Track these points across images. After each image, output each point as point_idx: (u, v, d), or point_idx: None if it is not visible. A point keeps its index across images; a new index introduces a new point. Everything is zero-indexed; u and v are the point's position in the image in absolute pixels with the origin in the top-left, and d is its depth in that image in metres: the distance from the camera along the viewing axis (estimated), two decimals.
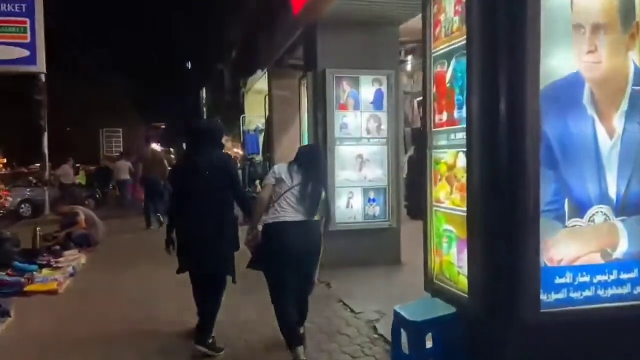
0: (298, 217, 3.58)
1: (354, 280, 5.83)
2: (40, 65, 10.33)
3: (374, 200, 6.48)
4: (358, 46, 6.34)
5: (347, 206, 6.43)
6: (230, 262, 3.97)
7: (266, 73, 10.22)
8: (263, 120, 13.55)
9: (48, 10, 12.42)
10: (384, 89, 6.47)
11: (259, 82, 12.47)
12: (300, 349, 3.53)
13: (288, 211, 3.57)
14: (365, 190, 6.47)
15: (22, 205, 16.82)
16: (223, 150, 4.32)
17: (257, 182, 13.09)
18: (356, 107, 6.46)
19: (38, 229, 8.14)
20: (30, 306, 5.32)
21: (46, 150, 15.60)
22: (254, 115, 13.75)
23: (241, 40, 13.42)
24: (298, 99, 7.28)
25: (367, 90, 6.45)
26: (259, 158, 13.89)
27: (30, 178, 17.91)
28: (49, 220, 11.11)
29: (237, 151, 18.85)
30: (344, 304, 5.09)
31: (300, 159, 3.75)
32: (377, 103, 6.49)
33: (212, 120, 13.61)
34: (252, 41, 11.17)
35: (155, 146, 14.20)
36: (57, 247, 8.18)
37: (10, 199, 14.76)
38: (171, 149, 32.05)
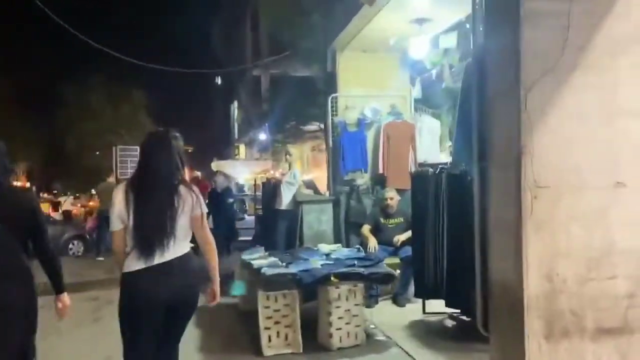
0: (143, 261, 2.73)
1: None
2: None
3: None
4: None
5: None
6: None
7: None
8: (384, 104, 6.85)
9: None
10: None
11: (383, 17, 5.76)
12: None
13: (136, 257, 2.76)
14: None
15: None
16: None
17: (366, 228, 6.29)
18: None
19: None
20: None
21: None
22: (359, 96, 6.97)
23: None
24: None
25: None
26: (363, 180, 7.06)
27: None
28: None
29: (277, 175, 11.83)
30: None
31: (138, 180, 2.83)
32: None
33: None
34: None
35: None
36: None
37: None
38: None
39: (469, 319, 5.04)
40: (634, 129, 3.02)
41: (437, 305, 5.40)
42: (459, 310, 5.07)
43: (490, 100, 3.25)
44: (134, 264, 2.72)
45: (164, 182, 2.78)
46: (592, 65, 2.99)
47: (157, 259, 2.70)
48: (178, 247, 2.76)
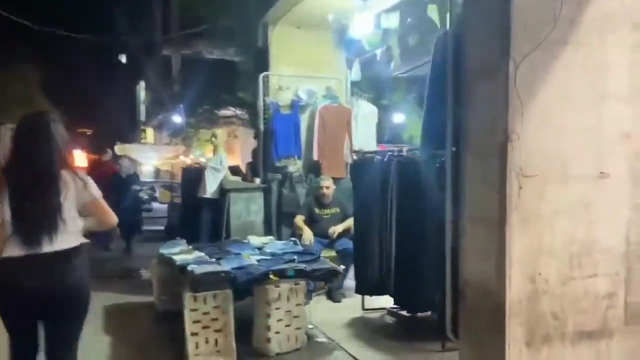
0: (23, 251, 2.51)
1: None
2: None
3: None
4: None
5: None
6: None
7: None
8: (322, 85, 6.41)
9: None
10: None
11: None
12: None
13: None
14: None
15: None
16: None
17: (300, 219, 5.86)
18: None
19: None
20: None
21: None
22: (293, 76, 6.44)
23: None
24: None
25: None
26: (296, 167, 6.57)
27: None
28: None
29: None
30: None
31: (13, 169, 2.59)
32: None
33: None
34: None
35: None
36: None
37: None
38: None
39: (409, 315, 4.78)
40: (620, 113, 2.79)
41: (375, 300, 5.10)
42: (398, 306, 4.79)
43: (469, 77, 2.87)
44: (10, 253, 2.50)
45: (41, 170, 2.57)
46: (582, 42, 2.70)
47: (37, 251, 2.49)
48: (64, 240, 2.54)
